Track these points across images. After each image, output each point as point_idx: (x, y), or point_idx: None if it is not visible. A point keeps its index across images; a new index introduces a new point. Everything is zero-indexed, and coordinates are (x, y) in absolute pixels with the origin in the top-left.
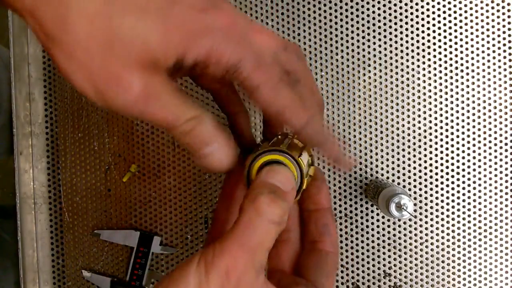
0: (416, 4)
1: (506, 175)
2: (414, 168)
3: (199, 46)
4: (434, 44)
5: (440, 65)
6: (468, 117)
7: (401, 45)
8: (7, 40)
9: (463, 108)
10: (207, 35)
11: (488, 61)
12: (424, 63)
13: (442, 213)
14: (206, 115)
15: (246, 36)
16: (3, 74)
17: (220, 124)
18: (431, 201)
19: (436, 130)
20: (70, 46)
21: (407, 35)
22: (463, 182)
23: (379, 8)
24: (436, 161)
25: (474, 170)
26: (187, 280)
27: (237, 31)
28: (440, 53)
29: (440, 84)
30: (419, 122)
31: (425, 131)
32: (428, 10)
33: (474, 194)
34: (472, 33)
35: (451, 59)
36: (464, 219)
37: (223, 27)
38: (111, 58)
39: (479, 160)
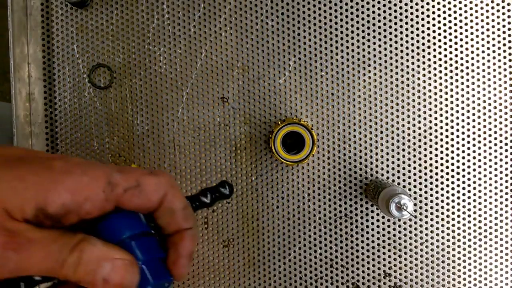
0: (416, 4)
1: (506, 175)
2: (414, 168)
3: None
4: (434, 44)
5: (440, 65)
6: (468, 117)
7: (401, 45)
8: (7, 40)
9: (463, 108)
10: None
11: (488, 61)
12: (424, 63)
13: (442, 213)
14: (89, 237)
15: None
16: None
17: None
18: (431, 201)
19: (436, 130)
20: None
21: (407, 35)
22: (463, 182)
23: (379, 8)
24: (436, 161)
25: (474, 170)
26: None
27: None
28: (440, 53)
29: (440, 84)
30: (419, 122)
31: (425, 131)
32: (428, 10)
33: (474, 194)
34: (472, 33)
35: (451, 59)
36: (464, 219)
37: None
38: None
39: (479, 160)
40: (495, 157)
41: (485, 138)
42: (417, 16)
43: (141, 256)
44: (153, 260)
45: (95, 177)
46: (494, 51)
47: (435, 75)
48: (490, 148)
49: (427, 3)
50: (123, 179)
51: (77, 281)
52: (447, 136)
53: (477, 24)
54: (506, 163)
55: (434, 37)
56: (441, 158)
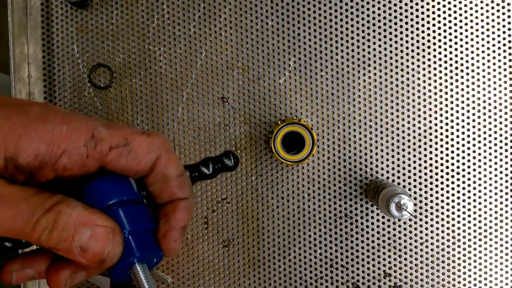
0: (416, 4)
1: (506, 175)
2: (414, 168)
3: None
4: (434, 44)
5: (440, 65)
6: (468, 117)
7: (401, 45)
8: (7, 40)
9: (463, 108)
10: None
11: (488, 61)
12: (424, 63)
13: (442, 213)
14: (68, 199)
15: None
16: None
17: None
18: (431, 201)
19: (436, 130)
20: None
21: (407, 35)
22: (463, 182)
23: (379, 8)
24: (436, 161)
25: (474, 170)
26: None
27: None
28: (440, 53)
29: (440, 84)
30: (419, 122)
31: (425, 131)
32: (428, 10)
33: (474, 194)
34: (472, 33)
35: (451, 59)
36: (464, 219)
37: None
38: None
39: (479, 160)
40: (495, 157)
41: (485, 138)
42: (417, 16)
43: (127, 225)
44: (140, 230)
45: (76, 128)
46: (494, 51)
47: (435, 75)
48: (490, 148)
49: (427, 3)
50: (109, 135)
51: (50, 248)
52: (447, 136)
53: (477, 24)
54: (506, 163)
55: (434, 37)
56: (441, 158)
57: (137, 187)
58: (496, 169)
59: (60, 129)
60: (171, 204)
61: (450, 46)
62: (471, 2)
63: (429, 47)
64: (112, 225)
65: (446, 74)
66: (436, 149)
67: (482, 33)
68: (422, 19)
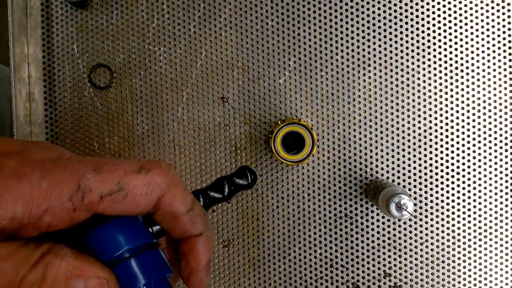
0: (416, 4)
1: (506, 175)
2: (414, 168)
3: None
4: (434, 44)
5: (440, 65)
6: (468, 117)
7: (401, 45)
8: (7, 40)
9: (463, 108)
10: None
11: (488, 61)
12: (424, 63)
13: (442, 213)
14: (57, 248)
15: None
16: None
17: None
18: (431, 201)
19: (436, 130)
20: None
21: (407, 35)
22: (463, 182)
23: (379, 8)
24: (436, 161)
25: (474, 170)
26: None
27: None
28: (440, 53)
29: (440, 84)
30: (419, 122)
31: (425, 131)
32: (428, 10)
33: (474, 194)
34: (472, 33)
35: (451, 59)
36: (464, 219)
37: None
38: None
39: (479, 160)
40: (495, 157)
41: (485, 138)
42: (417, 16)
43: (142, 278)
44: (156, 281)
45: (58, 181)
46: (494, 51)
47: (435, 75)
48: (490, 148)
49: (427, 3)
50: (99, 182)
51: None
52: (447, 136)
53: (477, 24)
54: (506, 163)
55: (434, 37)
56: (441, 158)
57: (146, 224)
58: (496, 169)
59: (39, 186)
60: (186, 242)
61: (450, 46)
62: (471, 2)
63: (429, 47)
64: (106, 275)
65: (446, 74)
66: (436, 149)
67: (482, 33)
68: (422, 19)
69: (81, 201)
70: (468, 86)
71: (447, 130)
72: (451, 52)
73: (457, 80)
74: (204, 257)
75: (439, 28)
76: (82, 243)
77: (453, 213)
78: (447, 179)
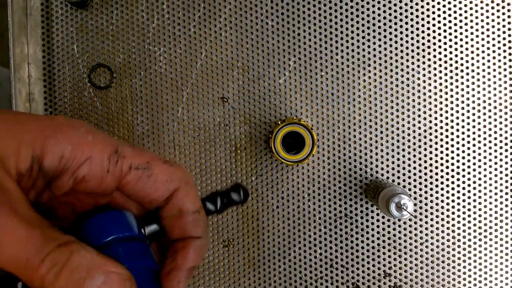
0: (416, 4)
1: (506, 175)
2: (414, 168)
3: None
4: (434, 44)
5: (440, 65)
6: (468, 117)
7: (401, 45)
8: (7, 40)
9: (463, 108)
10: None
11: (488, 61)
12: (424, 63)
13: (442, 213)
14: (80, 242)
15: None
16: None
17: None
18: (431, 201)
19: (436, 130)
20: None
21: (407, 35)
22: (463, 182)
23: (379, 8)
24: (436, 161)
25: (474, 170)
26: None
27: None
28: (440, 53)
29: (440, 84)
30: (419, 122)
31: (425, 131)
32: (428, 10)
33: (474, 194)
34: (472, 33)
35: (451, 59)
36: (464, 219)
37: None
38: None
39: (479, 160)
40: (495, 157)
41: (485, 138)
42: (417, 16)
43: (125, 262)
44: (139, 268)
45: (102, 140)
46: (494, 51)
47: (435, 75)
48: (490, 148)
49: (427, 3)
50: (133, 154)
51: None
52: (447, 136)
53: (477, 24)
54: (506, 163)
55: (434, 37)
56: (441, 158)
57: (140, 224)
58: (496, 169)
59: (86, 136)
60: (181, 242)
61: (450, 46)
62: (471, 2)
63: (429, 47)
64: (127, 273)
65: (446, 74)
66: (436, 149)
67: (482, 33)
68: (422, 19)
69: (115, 164)
70: (468, 86)
71: (447, 130)
72: (451, 52)
73: (457, 80)
74: (193, 260)
75: (439, 28)
76: (78, 234)
77: (453, 213)
78: (447, 179)
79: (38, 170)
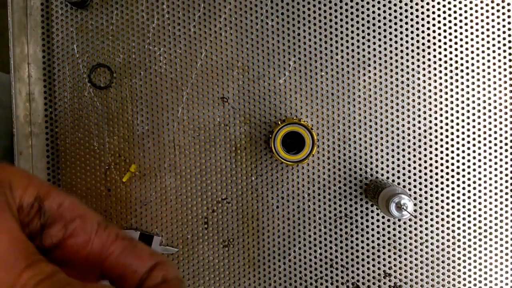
0: (416, 4)
1: (506, 175)
2: (414, 168)
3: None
4: (434, 44)
5: (440, 65)
6: (468, 117)
7: (401, 45)
8: (7, 40)
9: (463, 108)
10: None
11: (488, 61)
12: (424, 63)
13: (442, 213)
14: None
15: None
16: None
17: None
18: (431, 201)
19: (436, 130)
20: None
21: (407, 35)
22: (463, 182)
23: (379, 8)
24: (436, 161)
25: (474, 170)
26: None
27: None
28: (440, 53)
29: (440, 84)
30: (419, 122)
31: (425, 131)
32: (428, 10)
33: (474, 194)
34: (472, 33)
35: (451, 59)
36: (464, 219)
37: None
38: None
39: (479, 160)
40: (495, 157)
41: (485, 138)
42: (417, 16)
43: None
44: None
45: (92, 210)
46: (494, 51)
47: (435, 75)
48: (490, 148)
49: (427, 3)
50: (115, 228)
51: None
52: (447, 136)
53: (477, 24)
54: (506, 163)
55: (434, 37)
56: (441, 158)
57: None
58: (496, 169)
59: (80, 202)
60: None
61: (450, 46)
62: (471, 2)
63: (429, 47)
64: None
65: (446, 74)
66: (436, 149)
67: (482, 33)
68: (422, 19)
69: (103, 230)
70: (468, 86)
71: (447, 130)
72: (451, 52)
73: (457, 80)
74: None
75: (439, 28)
76: None
77: (453, 213)
78: (447, 179)
79: (37, 210)
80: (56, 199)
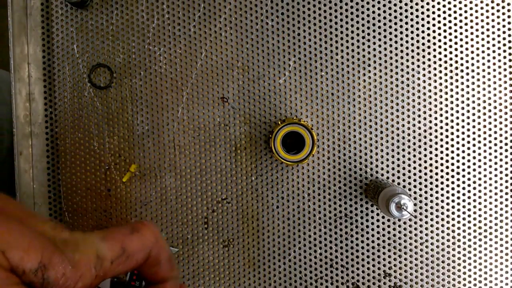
0: (416, 4)
1: (506, 175)
2: (414, 168)
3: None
4: (434, 44)
5: (440, 65)
6: (468, 117)
7: (401, 45)
8: (7, 40)
9: (463, 108)
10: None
11: (488, 61)
12: (424, 63)
13: (442, 213)
14: None
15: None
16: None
17: None
18: (431, 201)
19: (436, 130)
20: None
21: (407, 35)
22: (463, 182)
23: (379, 8)
24: (436, 161)
25: (474, 170)
26: None
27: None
28: (440, 53)
29: (440, 84)
30: (419, 122)
31: (425, 131)
32: (428, 10)
33: (474, 194)
34: (472, 33)
35: (451, 59)
36: (464, 219)
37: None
38: None
39: (479, 160)
40: (495, 157)
41: (485, 138)
42: (417, 16)
43: None
44: None
45: (87, 253)
46: (494, 51)
47: (435, 75)
48: (490, 148)
49: (427, 3)
50: (109, 250)
51: None
52: (447, 136)
53: (477, 24)
54: (506, 163)
55: (434, 37)
56: (441, 158)
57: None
58: (496, 169)
59: (79, 258)
60: (161, 284)
61: (450, 46)
62: (471, 2)
63: (429, 47)
64: None
65: (446, 74)
66: (436, 149)
67: (482, 33)
68: (422, 19)
69: (100, 268)
70: (468, 86)
71: (447, 130)
72: (451, 52)
73: (457, 80)
74: None
75: (439, 28)
76: None
77: (453, 213)
78: (447, 179)
79: (41, 276)
80: (60, 269)
